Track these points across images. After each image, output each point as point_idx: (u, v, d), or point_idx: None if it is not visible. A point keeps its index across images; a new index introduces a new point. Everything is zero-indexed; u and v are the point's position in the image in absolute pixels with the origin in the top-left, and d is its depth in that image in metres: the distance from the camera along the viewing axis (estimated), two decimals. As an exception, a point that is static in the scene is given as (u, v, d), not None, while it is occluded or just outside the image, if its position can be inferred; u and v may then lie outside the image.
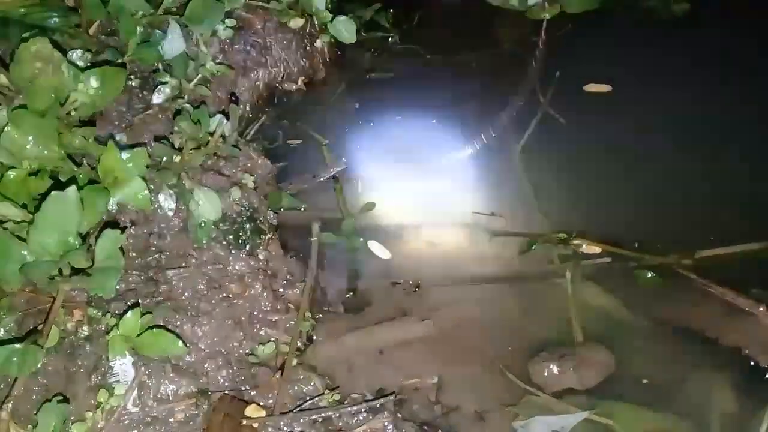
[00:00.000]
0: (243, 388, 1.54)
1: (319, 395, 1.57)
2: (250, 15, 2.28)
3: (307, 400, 1.56)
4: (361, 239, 2.00)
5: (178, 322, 1.56)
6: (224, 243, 1.74)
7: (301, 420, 1.49)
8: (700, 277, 1.91)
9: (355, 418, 1.53)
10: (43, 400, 1.40)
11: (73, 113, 1.67)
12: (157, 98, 1.90)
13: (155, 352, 1.45)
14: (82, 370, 1.46)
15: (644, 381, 1.73)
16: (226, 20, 2.17)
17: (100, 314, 1.51)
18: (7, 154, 1.44)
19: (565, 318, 1.84)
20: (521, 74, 2.51)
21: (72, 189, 1.35)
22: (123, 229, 1.63)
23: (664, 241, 2.00)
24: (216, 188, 1.77)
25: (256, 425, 1.45)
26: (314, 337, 1.76)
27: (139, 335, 1.43)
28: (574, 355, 1.72)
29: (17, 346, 1.31)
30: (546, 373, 1.71)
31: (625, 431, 1.61)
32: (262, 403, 1.51)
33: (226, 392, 1.51)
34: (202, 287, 1.64)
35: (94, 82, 1.67)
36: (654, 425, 1.67)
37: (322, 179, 2.15)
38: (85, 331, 1.50)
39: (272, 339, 1.65)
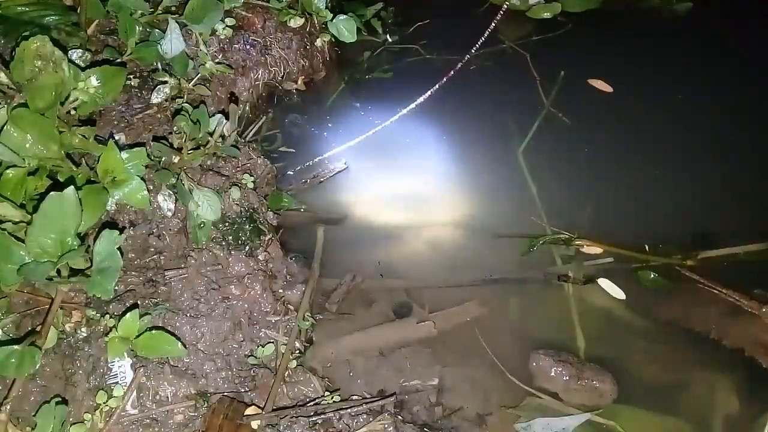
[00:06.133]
0: (242, 390, 1.53)
1: (319, 397, 1.57)
2: (249, 14, 2.27)
3: (307, 402, 1.55)
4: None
5: (177, 324, 1.55)
6: (223, 244, 1.74)
7: (301, 421, 1.48)
8: (703, 277, 1.91)
9: (356, 420, 1.52)
10: (41, 401, 1.39)
11: (73, 112, 1.66)
12: (156, 98, 1.89)
13: (154, 353, 1.44)
14: (80, 371, 1.45)
15: (646, 382, 1.72)
16: (226, 19, 2.16)
17: (98, 315, 1.51)
18: (7, 152, 1.43)
19: (568, 319, 1.84)
20: (523, 74, 2.50)
21: (70, 189, 1.34)
22: (122, 230, 1.63)
23: (666, 242, 1.99)
24: (215, 188, 1.76)
25: (255, 426, 1.45)
26: (314, 339, 1.75)
27: (137, 336, 1.43)
28: (577, 366, 1.71)
29: (15, 347, 1.31)
30: (542, 365, 1.71)
31: (627, 433, 1.61)
32: (261, 405, 1.50)
33: (225, 394, 1.50)
34: (201, 288, 1.63)
35: (94, 81, 1.67)
36: (656, 427, 1.66)
37: (322, 180, 2.14)
38: (83, 332, 1.49)
39: (272, 340, 1.64)
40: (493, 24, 2.55)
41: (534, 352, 1.74)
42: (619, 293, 1.88)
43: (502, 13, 2.61)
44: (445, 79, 2.38)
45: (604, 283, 1.90)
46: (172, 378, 1.47)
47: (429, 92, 2.35)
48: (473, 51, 2.48)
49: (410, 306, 1.86)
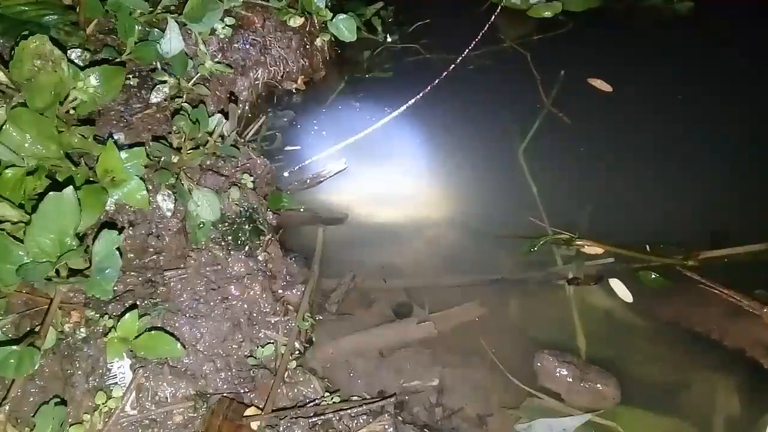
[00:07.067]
0: (242, 391, 1.53)
1: (319, 398, 1.56)
2: (249, 13, 2.27)
3: (307, 403, 1.54)
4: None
5: (177, 324, 1.55)
6: (223, 244, 1.73)
7: (301, 422, 1.47)
8: (704, 278, 1.90)
9: (356, 421, 1.52)
10: (40, 402, 1.39)
11: (72, 112, 1.66)
12: (155, 97, 1.88)
13: (153, 354, 1.44)
14: (79, 372, 1.45)
15: (647, 382, 1.72)
16: (225, 19, 2.16)
17: (97, 316, 1.50)
18: (6, 152, 1.43)
19: (568, 320, 1.83)
20: (523, 73, 2.49)
21: (69, 189, 1.34)
22: (121, 230, 1.62)
23: (667, 242, 1.99)
24: (215, 188, 1.76)
25: (254, 427, 1.44)
26: (314, 339, 1.74)
27: (137, 337, 1.42)
28: (581, 367, 1.71)
29: (14, 347, 1.30)
30: (546, 366, 1.71)
31: (627, 433, 1.61)
32: (261, 405, 1.50)
33: (224, 394, 1.50)
34: (200, 289, 1.63)
35: (93, 81, 1.66)
36: (657, 427, 1.66)
37: (322, 180, 2.14)
38: (82, 332, 1.49)
39: (271, 341, 1.64)
40: (490, 22, 2.54)
41: (539, 352, 1.74)
42: (627, 295, 1.88)
43: (498, 11, 2.60)
44: (443, 75, 2.38)
45: (615, 284, 1.89)
46: (171, 379, 1.47)
47: (426, 90, 2.34)
48: (469, 49, 2.48)
49: (410, 306, 1.86)
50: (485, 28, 2.50)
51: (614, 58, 2.53)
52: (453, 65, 2.40)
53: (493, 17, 2.55)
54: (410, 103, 2.33)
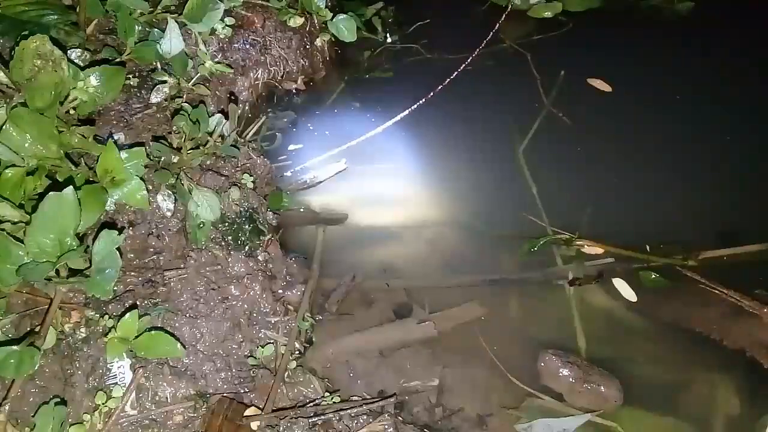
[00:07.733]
0: (242, 391, 1.53)
1: (319, 398, 1.56)
2: (249, 13, 2.27)
3: (307, 403, 1.54)
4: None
5: (177, 324, 1.55)
6: (223, 244, 1.73)
7: (301, 422, 1.47)
8: (704, 278, 1.90)
9: (356, 421, 1.52)
10: (40, 402, 1.39)
11: (72, 112, 1.66)
12: (155, 97, 1.88)
13: (153, 354, 1.44)
14: (79, 372, 1.45)
15: (647, 382, 1.72)
16: (225, 19, 2.16)
17: (97, 316, 1.50)
18: (6, 152, 1.43)
19: (568, 320, 1.83)
20: (523, 73, 2.49)
21: (69, 189, 1.34)
22: (121, 230, 1.62)
23: (667, 242, 1.99)
24: (215, 188, 1.76)
25: (254, 427, 1.44)
26: (314, 339, 1.74)
27: (137, 337, 1.42)
28: (584, 368, 1.70)
29: (14, 347, 1.30)
30: (549, 366, 1.71)
31: (628, 434, 1.61)
32: (261, 406, 1.50)
33: (224, 395, 1.50)
34: (200, 289, 1.63)
35: (93, 81, 1.67)
36: (657, 428, 1.66)
37: (322, 180, 2.14)
38: (82, 332, 1.49)
39: (271, 341, 1.64)
40: (495, 29, 2.54)
41: (542, 352, 1.74)
42: (631, 295, 1.87)
43: (506, 14, 2.60)
44: (447, 82, 2.37)
45: (618, 283, 1.89)
46: (171, 379, 1.47)
47: (432, 93, 2.34)
48: (477, 52, 2.47)
49: (410, 306, 1.86)
50: (490, 36, 2.49)
51: (614, 58, 2.53)
52: (456, 72, 2.39)
53: (498, 24, 2.54)
54: (411, 104, 2.32)
